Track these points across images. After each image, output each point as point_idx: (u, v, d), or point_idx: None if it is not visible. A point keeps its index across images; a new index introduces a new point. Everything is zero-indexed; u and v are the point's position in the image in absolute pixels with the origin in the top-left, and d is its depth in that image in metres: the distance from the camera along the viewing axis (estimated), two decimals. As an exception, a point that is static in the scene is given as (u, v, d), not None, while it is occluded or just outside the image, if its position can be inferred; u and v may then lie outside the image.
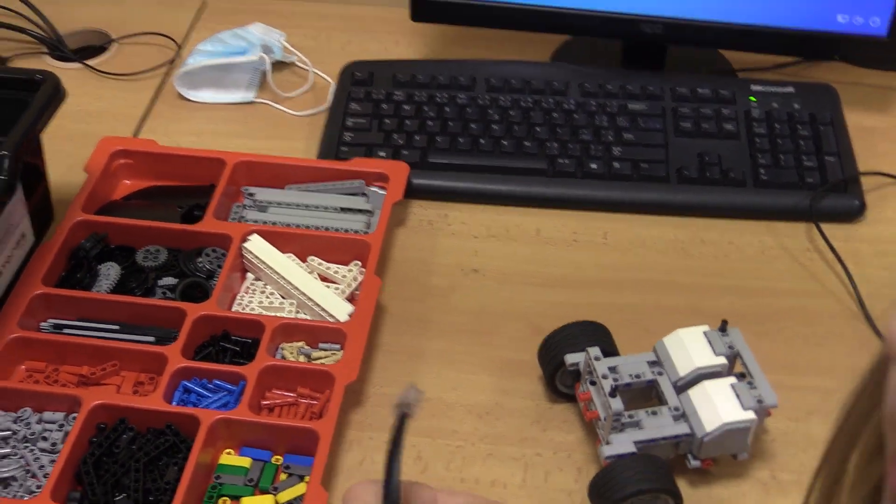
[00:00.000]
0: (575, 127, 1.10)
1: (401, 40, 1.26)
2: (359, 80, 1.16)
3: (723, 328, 0.86)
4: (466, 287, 1.00)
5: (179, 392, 0.88)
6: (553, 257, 1.02)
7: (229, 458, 0.85)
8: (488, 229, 1.05)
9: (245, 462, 0.84)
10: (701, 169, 1.06)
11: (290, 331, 0.92)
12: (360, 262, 0.99)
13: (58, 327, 0.93)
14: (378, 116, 1.12)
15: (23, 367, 0.91)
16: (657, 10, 1.13)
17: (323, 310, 0.94)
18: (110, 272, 0.97)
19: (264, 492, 0.82)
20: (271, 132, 1.15)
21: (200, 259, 0.99)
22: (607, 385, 0.81)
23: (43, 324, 0.94)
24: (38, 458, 0.84)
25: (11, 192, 0.89)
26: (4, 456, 0.84)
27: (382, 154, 1.08)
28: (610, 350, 0.86)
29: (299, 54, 1.23)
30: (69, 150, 1.08)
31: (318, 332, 0.92)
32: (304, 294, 0.95)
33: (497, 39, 1.22)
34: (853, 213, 1.05)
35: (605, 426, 0.81)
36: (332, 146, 1.10)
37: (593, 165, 1.07)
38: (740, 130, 1.10)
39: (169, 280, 0.97)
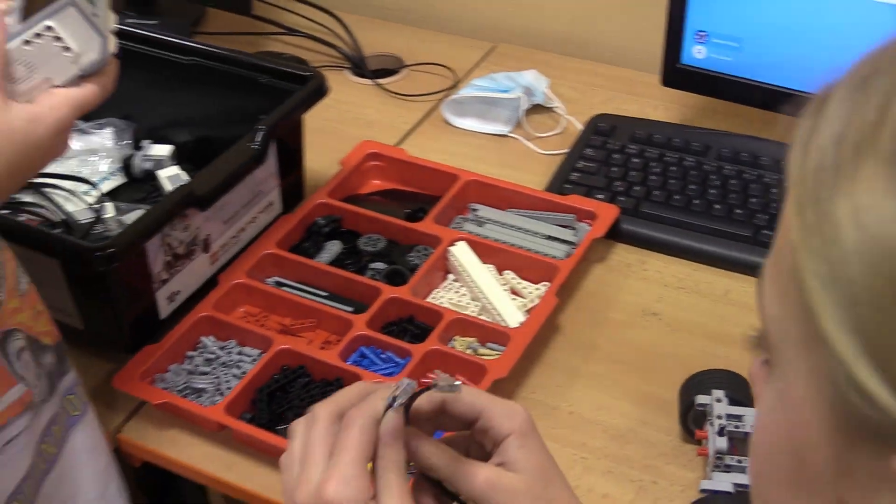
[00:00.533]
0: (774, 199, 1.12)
1: (658, 105, 1.34)
2: (601, 129, 1.25)
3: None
4: (641, 326, 1.05)
5: (356, 355, 1.00)
6: (734, 317, 1.06)
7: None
8: (680, 281, 1.10)
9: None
10: None
11: (464, 326, 1.02)
12: (549, 284, 1.07)
13: (279, 284, 1.08)
14: (607, 163, 1.20)
15: (242, 308, 1.07)
16: None
17: (498, 314, 1.03)
18: (333, 248, 1.11)
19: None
20: (513, 163, 1.26)
21: (411, 254, 1.11)
22: (717, 425, 0.84)
23: (268, 279, 1.09)
24: (228, 381, 0.99)
25: (260, 161, 1.05)
26: (204, 372, 1.00)
27: (600, 196, 1.16)
28: (742, 400, 0.89)
29: (559, 102, 1.34)
30: (337, 147, 1.24)
31: (487, 332, 1.01)
32: (487, 298, 1.04)
33: (748, 116, 1.27)
34: None
35: (710, 462, 0.84)
36: (559, 182, 1.19)
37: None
38: None
39: (380, 265, 1.10)
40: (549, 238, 1.13)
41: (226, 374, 0.99)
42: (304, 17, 1.50)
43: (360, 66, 1.44)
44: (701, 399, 0.89)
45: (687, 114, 1.32)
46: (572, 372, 1.01)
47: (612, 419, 0.96)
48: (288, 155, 1.14)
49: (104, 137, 1.19)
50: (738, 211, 1.13)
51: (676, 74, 1.24)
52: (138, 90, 1.04)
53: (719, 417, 0.85)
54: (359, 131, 1.31)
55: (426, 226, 1.12)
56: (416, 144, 1.30)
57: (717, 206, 1.14)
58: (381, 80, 1.41)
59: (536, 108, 1.33)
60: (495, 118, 1.32)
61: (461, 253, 1.09)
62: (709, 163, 1.19)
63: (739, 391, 0.90)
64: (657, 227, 1.14)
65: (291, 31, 1.48)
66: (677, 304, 1.08)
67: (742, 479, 0.83)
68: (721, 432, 0.84)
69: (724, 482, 0.83)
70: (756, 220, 1.12)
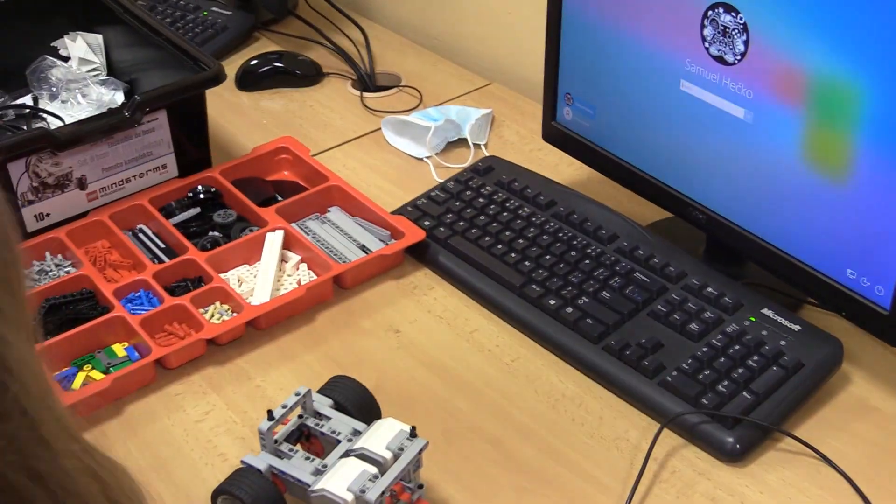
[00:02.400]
0: (577, 267, 1.17)
1: (571, 162, 1.39)
2: (478, 168, 1.35)
3: (412, 434, 0.94)
4: (373, 336, 1.16)
5: (134, 294, 1.20)
6: (460, 351, 1.13)
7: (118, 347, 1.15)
8: (444, 310, 1.19)
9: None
10: (634, 348, 1.08)
11: (224, 294, 1.18)
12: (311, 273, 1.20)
13: (138, 230, 1.30)
14: (455, 197, 1.30)
15: (98, 242, 1.30)
16: (705, 199, 1.15)
17: (252, 292, 1.19)
18: (191, 212, 1.31)
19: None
20: (405, 183, 1.38)
21: (244, 232, 1.28)
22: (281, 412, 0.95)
23: (139, 226, 1.31)
24: (34, 286, 1.22)
25: (129, 126, 1.27)
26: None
27: (426, 223, 1.26)
28: (346, 409, 0.98)
29: (480, 140, 1.44)
30: (267, 135, 1.44)
31: (236, 304, 1.17)
32: (257, 278, 1.20)
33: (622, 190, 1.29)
34: (723, 451, 1.00)
35: (263, 441, 0.96)
36: (408, 204, 1.31)
37: (551, 301, 1.14)
38: (704, 335, 1.08)
39: (216, 234, 1.28)
40: (361, 247, 1.25)
41: (38, 281, 1.23)
42: (340, 29, 1.70)
43: (364, 80, 1.61)
44: (315, 396, 0.99)
45: (581, 175, 1.37)
46: (289, 356, 1.14)
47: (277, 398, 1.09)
48: (187, 128, 1.34)
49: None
50: (526, 263, 1.19)
51: (552, 132, 1.31)
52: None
53: (301, 416, 0.96)
54: (313, 131, 1.49)
55: (267, 212, 1.29)
56: (346, 151, 1.46)
57: (512, 255, 1.20)
58: (367, 94, 1.58)
59: (461, 141, 1.44)
60: (424, 144, 1.45)
61: (271, 239, 1.25)
62: (540, 216, 1.25)
63: (351, 401, 0.99)
64: (455, 259, 1.22)
65: (323, 42, 1.69)
66: (424, 328, 1.17)
67: (276, 462, 0.94)
68: (270, 417, 0.95)
69: (262, 459, 0.94)
70: (534, 275, 1.17)
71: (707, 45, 1.06)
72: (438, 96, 1.57)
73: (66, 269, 1.24)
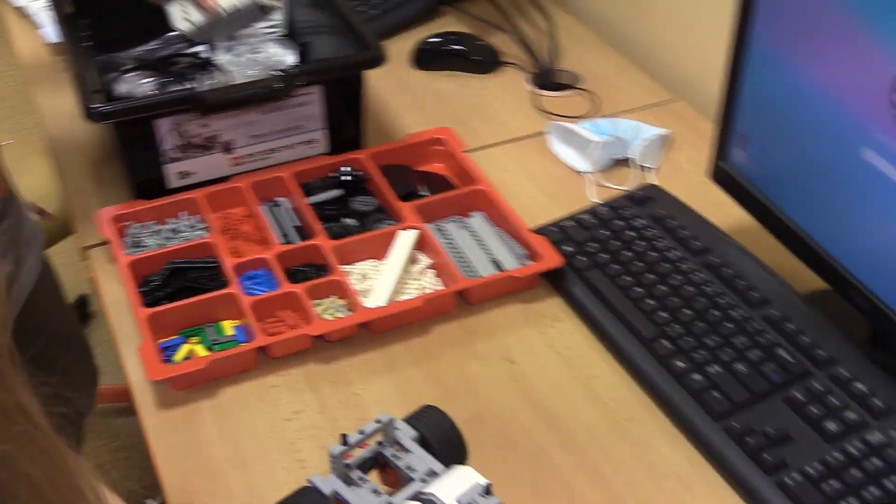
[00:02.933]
0: (716, 329, 1.08)
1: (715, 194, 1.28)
2: (636, 197, 1.25)
3: (487, 491, 0.88)
4: (487, 363, 1.09)
5: (254, 272, 1.17)
6: (572, 397, 1.06)
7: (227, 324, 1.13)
8: (567, 347, 1.11)
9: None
10: (758, 435, 0.98)
11: (341, 289, 1.14)
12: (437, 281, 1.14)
13: (273, 202, 1.27)
14: (605, 225, 1.21)
15: (236, 209, 1.28)
16: (872, 284, 1.02)
17: (370, 293, 1.14)
18: (331, 193, 1.27)
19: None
20: (555, 194, 1.31)
21: (379, 224, 1.23)
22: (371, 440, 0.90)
23: (277, 198, 1.28)
24: (162, 246, 1.21)
25: (277, 97, 1.24)
26: (156, 232, 1.23)
27: (568, 248, 1.18)
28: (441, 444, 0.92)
29: (652, 164, 1.34)
30: (430, 119, 1.38)
31: (352, 302, 1.13)
32: (378, 278, 1.15)
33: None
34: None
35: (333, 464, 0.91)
36: (554, 222, 1.23)
37: (680, 363, 1.05)
38: (840, 437, 0.97)
39: (350, 221, 1.24)
40: (494, 262, 1.19)
41: (168, 241, 1.21)
42: (526, 16, 1.61)
43: (543, 76, 1.53)
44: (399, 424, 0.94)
45: (745, 221, 1.26)
46: (394, 366, 1.09)
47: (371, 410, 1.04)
48: (341, 106, 1.30)
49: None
50: (662, 314, 1.10)
51: (720, 173, 1.20)
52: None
53: (381, 443, 0.91)
54: (477, 123, 1.43)
55: (406, 207, 1.23)
56: (506, 151, 1.39)
57: (649, 301, 1.11)
58: (541, 91, 1.50)
59: (635, 164, 1.35)
60: (587, 157, 1.36)
61: (403, 238, 1.20)
62: (689, 263, 1.15)
63: (436, 437, 0.93)
64: (589, 294, 1.14)
65: (507, 28, 1.61)
66: (540, 363, 1.09)
67: (342, 490, 0.89)
68: (343, 441, 0.90)
69: (330, 482, 0.90)
70: (668, 329, 1.08)
71: (902, 116, 0.93)
72: (616, 104, 1.47)
73: (197, 232, 1.23)
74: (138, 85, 1.37)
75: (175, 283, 1.16)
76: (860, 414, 0.98)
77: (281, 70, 1.24)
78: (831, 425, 0.97)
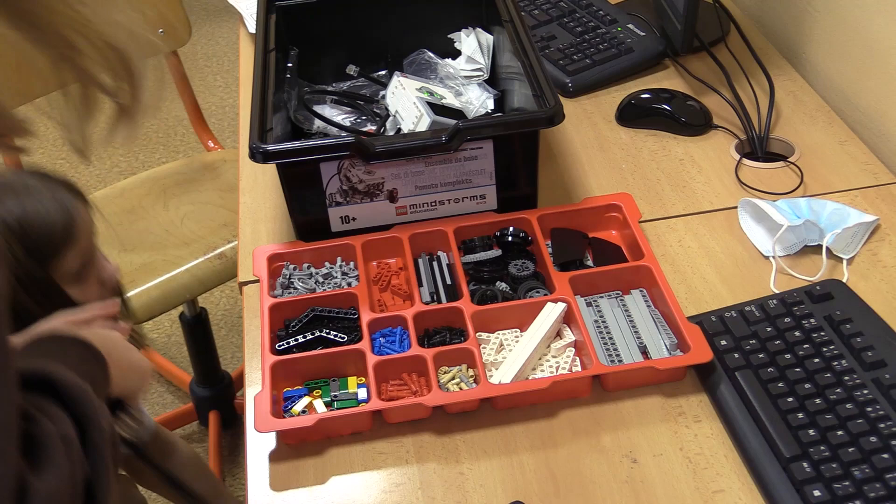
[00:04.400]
0: (868, 459, 0.95)
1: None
2: (816, 294, 1.13)
3: None
4: (605, 461, 1.01)
5: (391, 329, 1.14)
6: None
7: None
8: (699, 447, 1.01)
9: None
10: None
11: (471, 358, 1.09)
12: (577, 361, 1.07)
13: (429, 256, 1.24)
14: (771, 321, 1.10)
15: (392, 259, 1.26)
16: None
17: (497, 368, 1.08)
18: (489, 253, 1.23)
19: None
20: (731, 278, 1.20)
21: (532, 292, 1.18)
22: None
23: (435, 253, 1.25)
24: (309, 289, 1.21)
25: (444, 150, 1.20)
26: (308, 276, 1.23)
27: (724, 343, 1.08)
28: None
29: (850, 255, 1.21)
30: (619, 182, 1.31)
31: (478, 374, 1.08)
32: (511, 351, 1.10)
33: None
34: None
35: None
36: (718, 310, 1.13)
37: (817, 492, 0.93)
38: None
39: (503, 285, 1.19)
40: (642, 347, 1.11)
41: (316, 286, 1.21)
42: (749, 77, 1.50)
43: (753, 143, 1.42)
44: None
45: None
46: (509, 448, 1.03)
47: (473, 494, 0.99)
48: (514, 163, 1.25)
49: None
50: (810, 433, 0.98)
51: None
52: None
53: None
54: (668, 190, 1.34)
55: (562, 278, 1.17)
56: (691, 224, 1.29)
57: (799, 415, 0.99)
58: (747, 161, 1.39)
59: (829, 253, 1.22)
60: (777, 241, 1.24)
61: (549, 310, 1.13)
62: (856, 378, 1.02)
63: None
64: (735, 396, 1.04)
65: (719, 90, 1.50)
66: (665, 467, 1.00)
67: None
68: None
69: None
70: (812, 450, 0.96)
71: None
72: (826, 183, 1.33)
73: (349, 280, 1.21)
74: (331, 116, 1.38)
75: (311, 328, 1.15)
76: None
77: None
78: None
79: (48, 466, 0.66)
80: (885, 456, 0.94)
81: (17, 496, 0.60)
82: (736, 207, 1.30)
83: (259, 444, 1.05)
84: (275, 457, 1.04)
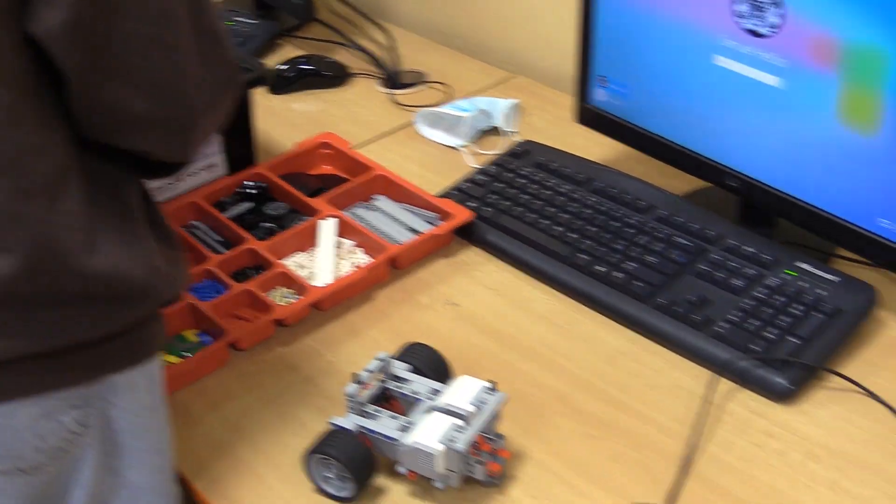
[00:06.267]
0: (620, 235, 1.24)
1: (602, 142, 1.47)
2: (516, 152, 1.42)
3: (492, 388, 1.01)
4: (434, 311, 1.23)
5: (205, 282, 1.26)
6: (517, 319, 1.20)
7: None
8: (497, 283, 1.26)
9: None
10: (683, 304, 1.15)
11: (286, 279, 1.25)
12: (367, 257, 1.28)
13: (192, 226, 1.37)
14: (498, 179, 1.37)
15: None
16: (740, 165, 1.22)
17: (313, 275, 1.25)
18: (242, 206, 1.38)
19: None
20: (444, 171, 1.46)
21: (297, 222, 1.35)
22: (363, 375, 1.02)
23: (192, 222, 1.37)
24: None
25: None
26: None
27: (472, 205, 1.33)
28: (420, 369, 1.05)
29: (514, 128, 1.52)
30: (304, 134, 1.51)
31: (298, 286, 1.24)
32: (316, 261, 1.27)
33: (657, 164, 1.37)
34: (776, 391, 1.07)
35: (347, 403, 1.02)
36: (451, 188, 1.38)
37: (599, 268, 1.21)
38: (747, 289, 1.15)
39: (271, 225, 1.35)
40: (411, 230, 1.32)
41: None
42: (363, 32, 1.77)
43: (392, 78, 1.69)
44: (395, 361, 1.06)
45: (611, 153, 1.45)
46: (354, 332, 1.21)
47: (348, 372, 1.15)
48: (234, 127, 1.41)
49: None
50: (571, 235, 1.26)
51: (586, 114, 1.38)
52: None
53: (382, 381, 1.03)
54: (348, 128, 1.56)
55: (318, 202, 1.35)
56: (383, 145, 1.53)
57: (558, 228, 1.27)
58: (394, 91, 1.65)
59: (495, 130, 1.52)
60: (457, 133, 1.52)
61: (326, 226, 1.32)
62: (579, 192, 1.32)
63: (427, 365, 1.06)
64: (503, 236, 1.29)
65: (347, 44, 1.76)
66: (479, 301, 1.24)
67: (365, 422, 1.00)
68: (356, 379, 1.01)
69: (350, 420, 1.01)
70: (580, 245, 1.24)
71: (740, 20, 1.14)
72: (465, 91, 1.64)
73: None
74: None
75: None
76: (755, 268, 1.17)
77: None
78: (737, 282, 1.16)
79: None
80: (629, 229, 1.25)
81: None
82: (409, 124, 1.57)
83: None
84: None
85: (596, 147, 1.46)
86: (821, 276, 1.15)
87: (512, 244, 1.28)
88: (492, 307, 1.22)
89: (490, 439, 1.00)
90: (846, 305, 1.12)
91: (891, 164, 1.07)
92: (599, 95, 1.35)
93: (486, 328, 1.19)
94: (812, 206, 1.16)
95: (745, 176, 1.22)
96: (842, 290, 1.14)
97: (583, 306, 1.21)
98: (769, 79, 1.14)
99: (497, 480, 1.01)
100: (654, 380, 1.11)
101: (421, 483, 1.00)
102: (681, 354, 1.13)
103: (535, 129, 1.54)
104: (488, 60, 1.74)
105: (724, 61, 1.17)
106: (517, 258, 1.27)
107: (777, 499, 0.98)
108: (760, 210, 1.25)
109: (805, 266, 1.17)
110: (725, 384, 1.09)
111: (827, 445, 1.03)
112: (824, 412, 1.06)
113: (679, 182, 1.35)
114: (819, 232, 1.18)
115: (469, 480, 0.99)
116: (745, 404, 1.08)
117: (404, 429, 0.99)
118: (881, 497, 0.98)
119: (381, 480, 1.01)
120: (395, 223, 1.34)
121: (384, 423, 1.01)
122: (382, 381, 1.04)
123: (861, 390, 1.08)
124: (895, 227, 1.09)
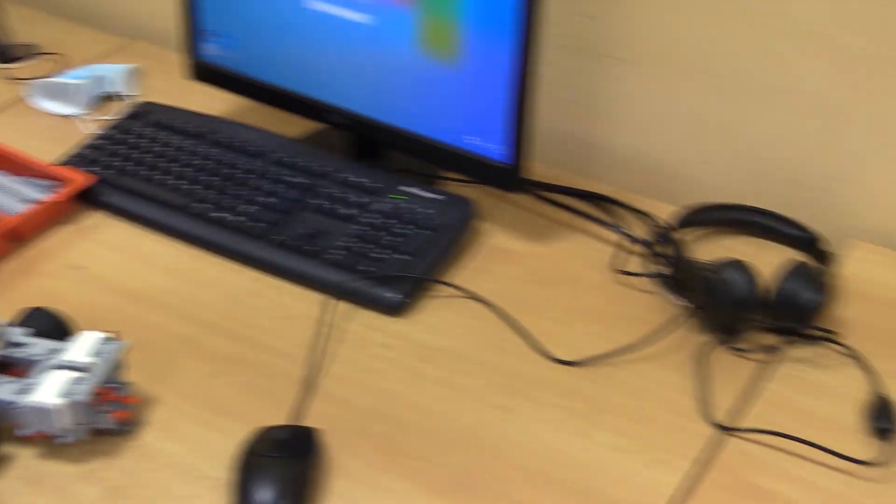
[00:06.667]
0: (233, 180, 1.29)
1: (225, 99, 1.49)
2: (135, 114, 1.42)
3: (110, 338, 1.02)
4: (62, 276, 1.22)
5: None
6: (143, 274, 1.21)
7: None
8: (122, 243, 1.26)
9: None
10: (296, 237, 1.20)
11: None
12: None
13: None
14: (119, 142, 1.37)
15: None
16: (343, 102, 1.28)
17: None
18: None
19: None
20: (56, 139, 1.44)
21: None
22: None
23: None
24: None
25: None
26: None
27: (95, 169, 1.33)
28: (52, 331, 1.04)
29: (136, 92, 1.52)
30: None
31: None
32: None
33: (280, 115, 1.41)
34: (389, 306, 1.14)
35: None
36: (68, 156, 1.36)
37: (214, 213, 1.24)
38: (354, 217, 1.22)
39: None
40: (28, 201, 1.30)
41: None
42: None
43: (2, 52, 1.64)
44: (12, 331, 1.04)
45: (234, 107, 1.48)
46: None
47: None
48: None
49: None
50: (186, 186, 1.28)
51: (199, 69, 1.41)
52: None
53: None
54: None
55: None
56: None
57: (172, 181, 1.29)
58: (6, 65, 1.61)
59: (116, 96, 1.51)
60: (74, 102, 1.50)
61: (-63, 207, 1.27)
62: (196, 146, 1.34)
63: (45, 326, 1.05)
64: (126, 197, 1.30)
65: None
66: (106, 262, 1.24)
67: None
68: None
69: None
70: (195, 194, 1.27)
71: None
72: (83, 60, 1.62)
73: None
74: None
75: None
76: (361, 196, 1.25)
77: None
78: (347, 211, 1.23)
79: None
80: (241, 175, 1.29)
81: None
82: (21, 98, 1.54)
83: None
84: None
85: (218, 102, 1.49)
86: (425, 197, 1.24)
87: (133, 203, 1.29)
88: (118, 266, 1.23)
89: (115, 388, 1.01)
90: (449, 220, 1.21)
91: (471, 87, 1.16)
92: (210, 50, 1.38)
93: (112, 287, 1.20)
94: (409, 131, 1.24)
95: (349, 111, 1.28)
96: (446, 207, 1.23)
97: (206, 253, 1.24)
98: (358, 16, 1.21)
99: (128, 427, 1.02)
100: (277, 312, 1.16)
101: (49, 444, 1.00)
102: (301, 285, 1.19)
103: (157, 91, 1.54)
104: (105, 28, 1.73)
105: (315, 3, 1.23)
106: (139, 215, 1.28)
107: (396, 401, 1.05)
108: (370, 143, 1.33)
109: (410, 189, 1.25)
110: (345, 307, 1.16)
111: (439, 347, 1.11)
112: (434, 318, 1.15)
113: (298, 128, 1.41)
114: (420, 156, 1.26)
115: (100, 432, 1.00)
116: (364, 322, 1.14)
117: (23, 391, 0.99)
118: (490, 386, 1.07)
119: (6, 448, 1.00)
120: (9, 196, 1.31)
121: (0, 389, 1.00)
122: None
123: (468, 295, 1.17)
124: (481, 143, 1.19)
